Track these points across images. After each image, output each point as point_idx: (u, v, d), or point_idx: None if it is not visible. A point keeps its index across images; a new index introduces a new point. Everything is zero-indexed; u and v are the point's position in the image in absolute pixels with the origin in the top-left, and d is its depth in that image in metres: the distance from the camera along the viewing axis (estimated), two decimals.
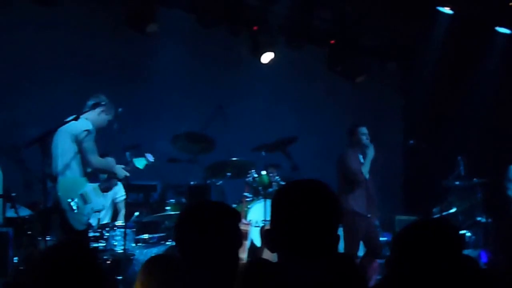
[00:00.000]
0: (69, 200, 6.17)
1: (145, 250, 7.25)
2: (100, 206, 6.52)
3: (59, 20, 8.70)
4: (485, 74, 10.57)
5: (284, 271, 2.43)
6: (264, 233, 6.45)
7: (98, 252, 6.66)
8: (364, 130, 7.84)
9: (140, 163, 6.99)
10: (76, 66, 8.78)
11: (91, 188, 6.39)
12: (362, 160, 7.83)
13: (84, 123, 6.35)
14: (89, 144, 6.33)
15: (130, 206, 7.82)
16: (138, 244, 7.44)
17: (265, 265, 2.50)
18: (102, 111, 6.56)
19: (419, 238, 2.61)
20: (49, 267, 2.55)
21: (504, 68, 10.48)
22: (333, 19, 10.11)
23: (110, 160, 6.60)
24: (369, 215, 7.68)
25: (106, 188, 6.66)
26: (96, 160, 6.39)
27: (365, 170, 7.73)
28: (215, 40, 9.89)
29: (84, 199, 6.28)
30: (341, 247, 7.98)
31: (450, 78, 11.27)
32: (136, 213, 7.87)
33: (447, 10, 9.50)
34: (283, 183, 7.86)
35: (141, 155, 7.09)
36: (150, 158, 7.12)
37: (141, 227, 7.75)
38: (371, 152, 7.76)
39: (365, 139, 7.79)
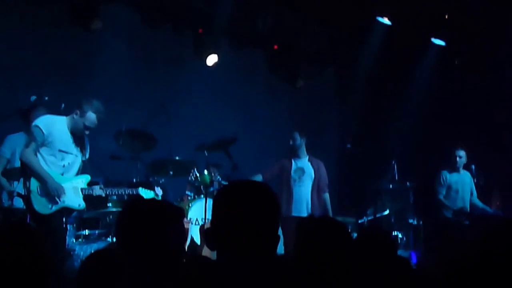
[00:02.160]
0: (38, 184, 6.30)
1: (85, 246, 7.22)
2: (76, 205, 6.63)
3: None
4: (418, 82, 10.93)
5: (221, 269, 2.48)
6: (204, 231, 6.58)
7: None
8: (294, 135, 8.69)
9: (147, 194, 7.14)
10: (17, 62, 8.55)
11: (70, 186, 6.54)
12: (298, 165, 8.52)
13: (42, 118, 6.51)
14: (29, 139, 6.47)
15: None
16: (79, 240, 7.44)
17: (202, 263, 2.58)
18: (76, 114, 6.60)
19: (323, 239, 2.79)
20: None
21: (436, 77, 10.88)
22: (274, 24, 10.24)
23: (35, 161, 6.40)
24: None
25: (88, 196, 6.72)
26: (23, 152, 6.40)
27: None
28: (159, 39, 9.88)
29: None
30: None
31: (385, 85, 11.60)
32: None
33: (385, 20, 9.78)
34: (224, 182, 7.96)
35: (152, 188, 7.40)
36: (159, 192, 7.45)
37: (82, 223, 7.70)
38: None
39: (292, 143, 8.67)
